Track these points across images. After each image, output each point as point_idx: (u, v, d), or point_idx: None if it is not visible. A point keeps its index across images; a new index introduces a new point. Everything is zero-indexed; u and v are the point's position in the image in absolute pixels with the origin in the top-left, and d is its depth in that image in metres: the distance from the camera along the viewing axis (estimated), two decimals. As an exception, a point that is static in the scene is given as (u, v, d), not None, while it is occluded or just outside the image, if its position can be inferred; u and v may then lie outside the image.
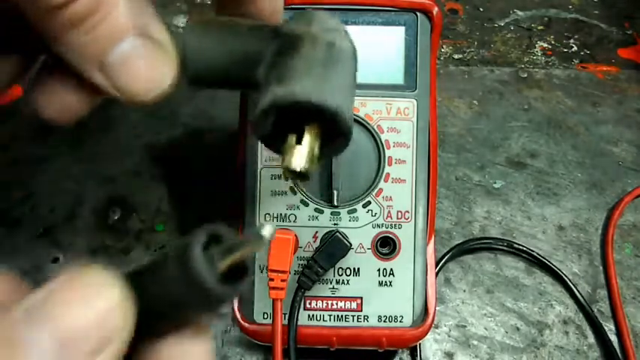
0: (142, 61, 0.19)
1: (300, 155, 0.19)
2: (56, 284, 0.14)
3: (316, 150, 0.20)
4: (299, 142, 0.19)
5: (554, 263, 0.39)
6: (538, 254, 0.40)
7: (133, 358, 0.16)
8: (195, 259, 0.15)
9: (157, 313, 0.16)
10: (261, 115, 0.19)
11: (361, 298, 0.32)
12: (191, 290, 0.15)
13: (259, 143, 0.32)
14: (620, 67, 0.53)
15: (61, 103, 0.21)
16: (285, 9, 0.32)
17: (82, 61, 0.19)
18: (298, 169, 0.19)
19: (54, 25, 0.18)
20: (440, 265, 0.39)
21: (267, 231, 0.15)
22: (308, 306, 0.32)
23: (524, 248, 0.40)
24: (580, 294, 0.38)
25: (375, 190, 0.32)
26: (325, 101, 0.19)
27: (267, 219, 0.32)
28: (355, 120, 0.32)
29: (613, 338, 0.37)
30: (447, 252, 0.39)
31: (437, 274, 0.38)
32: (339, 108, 0.19)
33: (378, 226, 0.32)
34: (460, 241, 0.40)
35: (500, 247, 0.40)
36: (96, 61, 0.19)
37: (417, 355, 0.35)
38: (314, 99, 0.18)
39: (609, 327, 0.37)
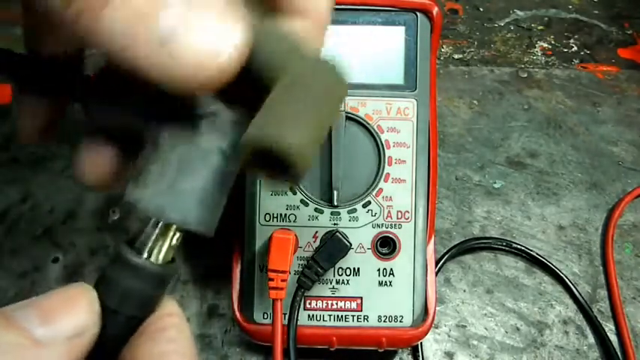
0: (198, 25, 0.16)
1: (156, 249, 0.20)
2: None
3: (173, 242, 0.20)
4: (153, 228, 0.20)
5: (554, 263, 0.39)
6: (537, 254, 0.40)
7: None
8: (129, 257, 0.19)
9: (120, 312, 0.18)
10: None
11: (361, 298, 0.32)
12: (140, 279, 0.19)
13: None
14: (620, 67, 0.53)
15: (98, 170, 0.22)
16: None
17: (134, 51, 0.15)
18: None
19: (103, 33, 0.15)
20: (440, 264, 0.39)
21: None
22: (308, 306, 0.32)
23: (523, 248, 0.40)
24: (580, 294, 0.38)
25: (375, 190, 0.32)
26: (162, 213, 0.19)
27: (268, 219, 0.32)
28: (355, 120, 0.32)
29: (613, 338, 0.37)
30: (447, 252, 0.39)
31: (437, 274, 0.38)
32: (182, 217, 0.19)
33: (378, 226, 0.32)
34: (459, 241, 0.40)
35: (500, 246, 0.40)
36: (153, 42, 0.15)
37: (419, 356, 0.35)
38: (152, 211, 0.19)
39: (609, 327, 0.37)
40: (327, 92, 0.19)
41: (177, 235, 0.20)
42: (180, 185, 0.19)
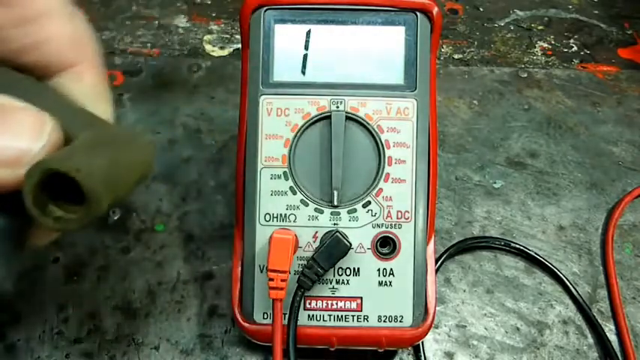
0: None
1: None
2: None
3: None
4: None
5: (554, 263, 0.39)
6: (536, 254, 0.39)
7: None
8: None
9: None
10: None
11: (361, 298, 0.32)
12: None
13: (259, 143, 0.32)
14: (620, 67, 0.53)
15: None
16: (285, 9, 0.32)
17: None
18: None
19: None
20: (439, 263, 0.39)
21: None
22: (308, 306, 0.32)
23: (522, 248, 0.40)
24: (580, 294, 0.38)
25: (375, 190, 0.32)
26: None
27: (268, 219, 0.32)
28: (355, 120, 0.32)
29: (613, 338, 0.37)
30: (446, 250, 0.39)
31: (436, 272, 0.38)
32: None
33: (378, 226, 0.32)
34: (458, 240, 0.40)
35: (499, 246, 0.40)
36: None
37: (420, 356, 0.35)
38: None
39: (609, 327, 0.37)
40: (126, 150, 0.19)
41: None
42: None
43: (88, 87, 0.22)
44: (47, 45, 0.21)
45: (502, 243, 0.40)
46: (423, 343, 0.35)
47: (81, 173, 0.16)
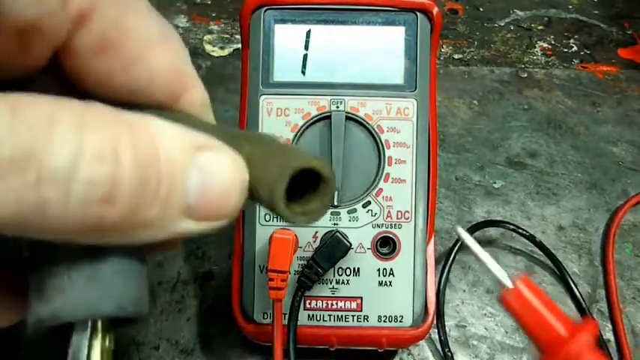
0: (216, 178, 0.16)
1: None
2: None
3: (107, 343, 0.17)
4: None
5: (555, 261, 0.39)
6: (540, 241, 0.39)
7: None
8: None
9: None
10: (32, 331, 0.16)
11: (361, 298, 0.32)
12: None
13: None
14: (620, 67, 0.53)
15: None
16: (285, 9, 0.32)
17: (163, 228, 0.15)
18: None
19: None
20: (453, 253, 0.38)
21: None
22: (308, 306, 0.32)
23: (528, 234, 0.39)
24: (580, 294, 0.38)
25: (375, 190, 0.32)
26: (94, 308, 0.16)
27: (268, 219, 0.32)
28: (355, 120, 0.32)
29: (613, 338, 0.37)
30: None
31: (452, 262, 0.38)
32: (116, 304, 0.16)
33: (378, 226, 0.32)
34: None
35: (508, 229, 0.40)
36: (181, 212, 0.15)
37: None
38: (81, 313, 0.16)
39: (609, 327, 0.37)
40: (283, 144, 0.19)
41: (108, 335, 0.17)
42: (98, 273, 0.16)
43: (199, 106, 0.21)
44: (156, 81, 0.18)
45: (511, 227, 0.39)
46: (443, 328, 0.35)
47: (321, 163, 0.17)
